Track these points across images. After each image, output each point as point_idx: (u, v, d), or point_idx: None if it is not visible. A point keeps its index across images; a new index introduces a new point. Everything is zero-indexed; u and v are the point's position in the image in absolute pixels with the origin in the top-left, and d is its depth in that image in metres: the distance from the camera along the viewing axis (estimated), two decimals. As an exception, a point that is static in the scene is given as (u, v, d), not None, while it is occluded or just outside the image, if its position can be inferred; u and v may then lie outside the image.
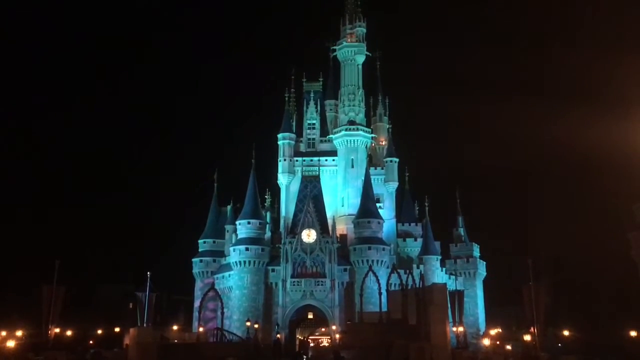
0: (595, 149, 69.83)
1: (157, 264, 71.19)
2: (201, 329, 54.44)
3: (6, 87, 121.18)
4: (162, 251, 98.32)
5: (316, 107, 74.45)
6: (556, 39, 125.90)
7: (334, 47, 75.73)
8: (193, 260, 70.65)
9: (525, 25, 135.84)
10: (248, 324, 56.74)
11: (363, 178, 67.96)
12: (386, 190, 72.49)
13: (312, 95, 75.35)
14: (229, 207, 71.82)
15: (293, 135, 72.90)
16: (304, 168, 71.43)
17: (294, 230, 64.54)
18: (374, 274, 50.17)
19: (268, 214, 70.37)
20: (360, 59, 74.76)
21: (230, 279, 65.35)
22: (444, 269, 69.84)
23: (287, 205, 70.32)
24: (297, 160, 71.98)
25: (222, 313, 53.12)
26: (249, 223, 64.68)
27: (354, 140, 71.17)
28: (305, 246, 63.10)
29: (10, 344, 41.10)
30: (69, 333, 56.83)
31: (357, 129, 71.26)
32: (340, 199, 70.73)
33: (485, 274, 73.78)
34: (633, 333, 52.03)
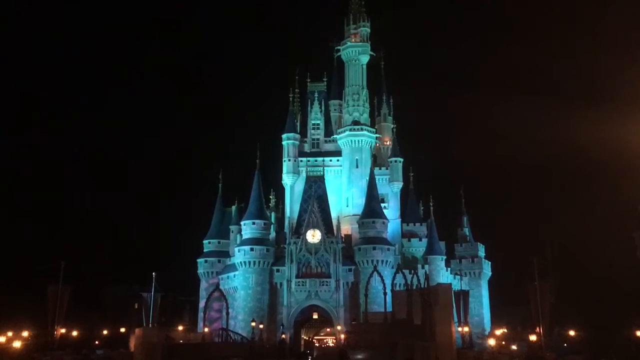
0: (601, 147, 69.54)
1: (162, 265, 71.22)
2: (206, 329, 54.61)
3: (8, 85, 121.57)
4: (167, 252, 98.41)
5: (320, 107, 74.43)
6: (562, 37, 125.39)
7: (338, 47, 75.69)
8: (198, 260, 70.79)
9: (531, 24, 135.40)
10: (253, 324, 56.80)
11: (367, 178, 67.92)
12: (391, 190, 72.47)
13: (316, 95, 75.29)
14: (233, 208, 71.92)
15: (297, 136, 72.92)
16: (308, 168, 71.45)
17: (299, 230, 64.52)
18: (379, 274, 50.22)
19: (273, 214, 70.42)
20: (365, 58, 74.65)
21: (235, 279, 65.42)
22: (449, 269, 69.79)
23: (292, 206, 70.34)
24: (301, 161, 71.98)
25: (227, 313, 53.27)
26: (253, 223, 64.73)
27: (358, 141, 71.13)
28: (310, 246, 63.07)
29: (17, 344, 41.21)
30: (74, 333, 56.83)
31: (362, 129, 71.22)
32: (344, 199, 70.70)
33: (490, 273, 73.68)
34: (639, 333, 51.75)
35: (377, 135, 74.28)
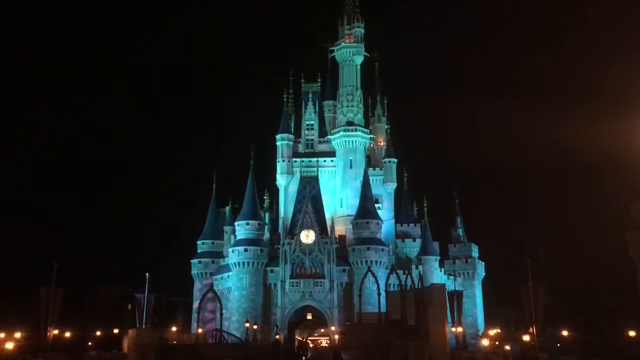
0: (594, 148, 69.93)
1: (155, 266, 71.10)
2: (200, 330, 54.39)
3: (4, 85, 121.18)
4: (161, 252, 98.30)
5: (314, 108, 74.42)
6: (556, 38, 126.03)
7: (332, 48, 75.61)
8: (192, 261, 70.59)
9: (526, 25, 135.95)
10: (247, 325, 56.71)
11: (362, 179, 67.93)
12: (385, 190, 72.51)
13: (310, 96, 75.28)
14: (227, 208, 71.76)
15: (291, 136, 72.85)
16: (302, 169, 71.41)
17: (293, 231, 64.49)
18: (373, 274, 50.19)
19: (267, 215, 70.32)
20: (359, 59, 74.66)
21: (229, 280, 65.31)
22: (442, 269, 69.86)
23: (286, 206, 70.26)
24: (295, 161, 71.92)
25: (221, 314, 53.13)
26: (247, 224, 64.62)
27: (352, 141, 71.13)
28: (304, 247, 63.05)
29: (9, 345, 41.05)
30: (67, 335, 56.70)
31: (356, 130, 71.22)
32: (338, 199, 70.68)
33: (484, 274, 73.81)
34: (632, 333, 52.06)
35: (371, 136, 74.29)
